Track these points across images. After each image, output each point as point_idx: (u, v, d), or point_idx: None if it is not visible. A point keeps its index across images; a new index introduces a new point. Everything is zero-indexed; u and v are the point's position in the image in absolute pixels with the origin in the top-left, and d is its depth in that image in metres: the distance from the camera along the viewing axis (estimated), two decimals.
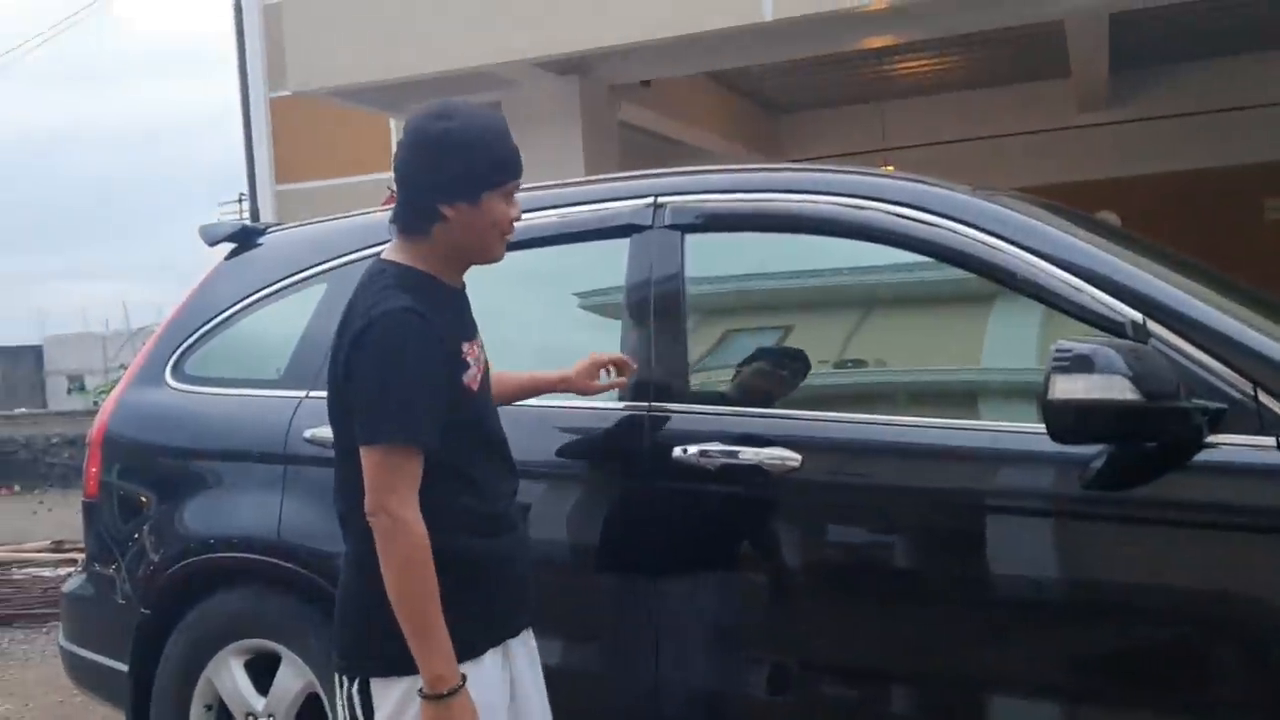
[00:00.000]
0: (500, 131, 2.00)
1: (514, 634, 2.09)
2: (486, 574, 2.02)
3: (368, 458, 1.90)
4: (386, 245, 2.09)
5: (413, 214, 2.00)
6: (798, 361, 2.65)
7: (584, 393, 2.47)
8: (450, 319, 2.00)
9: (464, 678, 1.90)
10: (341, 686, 2.03)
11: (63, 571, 7.13)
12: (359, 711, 1.99)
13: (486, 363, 2.11)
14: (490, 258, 2.07)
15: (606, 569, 2.62)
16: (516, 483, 2.15)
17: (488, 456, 2.07)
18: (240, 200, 14.75)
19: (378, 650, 1.94)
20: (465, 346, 2.01)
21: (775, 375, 2.65)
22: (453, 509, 1.97)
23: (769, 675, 2.50)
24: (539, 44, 6.31)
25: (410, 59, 6.48)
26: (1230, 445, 2.09)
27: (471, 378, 2.01)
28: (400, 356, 1.90)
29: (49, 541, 9.00)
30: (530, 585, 2.15)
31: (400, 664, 1.91)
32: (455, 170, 1.94)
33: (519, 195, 2.06)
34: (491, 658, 2.02)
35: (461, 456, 1.99)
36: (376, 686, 1.97)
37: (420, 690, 1.88)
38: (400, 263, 2.01)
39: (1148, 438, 2.11)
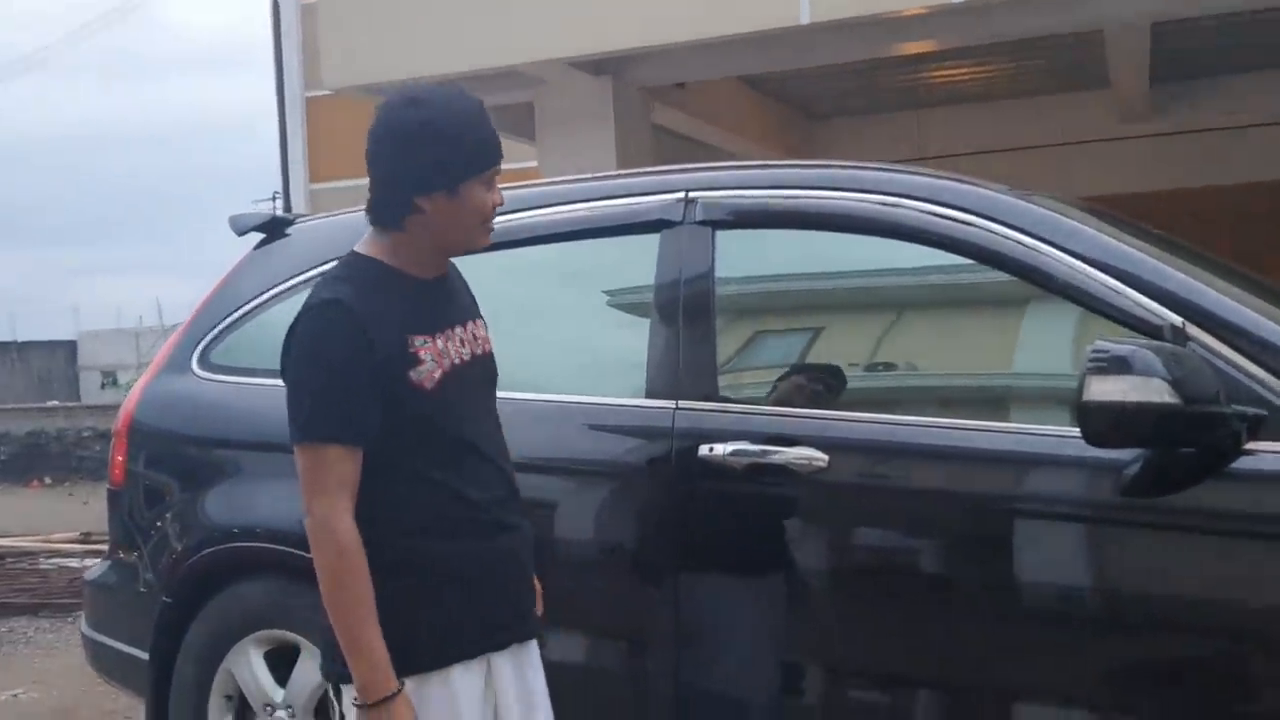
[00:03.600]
0: (477, 116, 1.91)
1: (498, 647, 1.96)
2: (449, 580, 1.90)
3: (296, 458, 1.86)
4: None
5: (385, 206, 1.91)
6: (834, 378, 2.61)
7: None
8: (400, 312, 1.89)
9: (401, 685, 1.82)
10: (329, 688, 2.01)
11: (89, 562, 7.17)
12: (336, 716, 1.97)
13: (473, 359, 1.97)
14: (472, 247, 1.96)
15: (629, 566, 2.59)
16: (503, 489, 2.00)
17: (455, 457, 1.93)
18: (274, 199, 14.85)
19: (343, 656, 1.88)
20: (419, 341, 1.89)
21: (809, 390, 2.61)
22: (407, 510, 1.89)
23: (790, 677, 2.46)
24: (572, 44, 6.29)
25: (444, 57, 6.48)
26: (1270, 452, 2.04)
27: (424, 375, 1.88)
28: (315, 352, 1.84)
29: (77, 533, 9.09)
30: (526, 596, 2.03)
31: None
32: (431, 160, 1.85)
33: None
34: (464, 672, 1.90)
35: (418, 456, 1.89)
36: (345, 692, 1.92)
37: (354, 700, 1.83)
38: (361, 253, 1.95)
39: (1185, 443, 2.06)
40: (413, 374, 1.87)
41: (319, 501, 1.83)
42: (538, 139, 7.29)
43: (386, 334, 1.86)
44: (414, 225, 1.91)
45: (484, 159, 1.91)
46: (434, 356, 1.91)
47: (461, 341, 1.97)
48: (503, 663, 1.97)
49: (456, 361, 1.94)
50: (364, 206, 1.97)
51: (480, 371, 2.01)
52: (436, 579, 1.90)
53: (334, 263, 2.03)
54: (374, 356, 1.84)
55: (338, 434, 1.83)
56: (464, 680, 1.91)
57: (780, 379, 2.65)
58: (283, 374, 1.91)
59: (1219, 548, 2.11)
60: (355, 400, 1.83)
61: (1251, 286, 2.45)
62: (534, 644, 2.05)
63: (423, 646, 1.87)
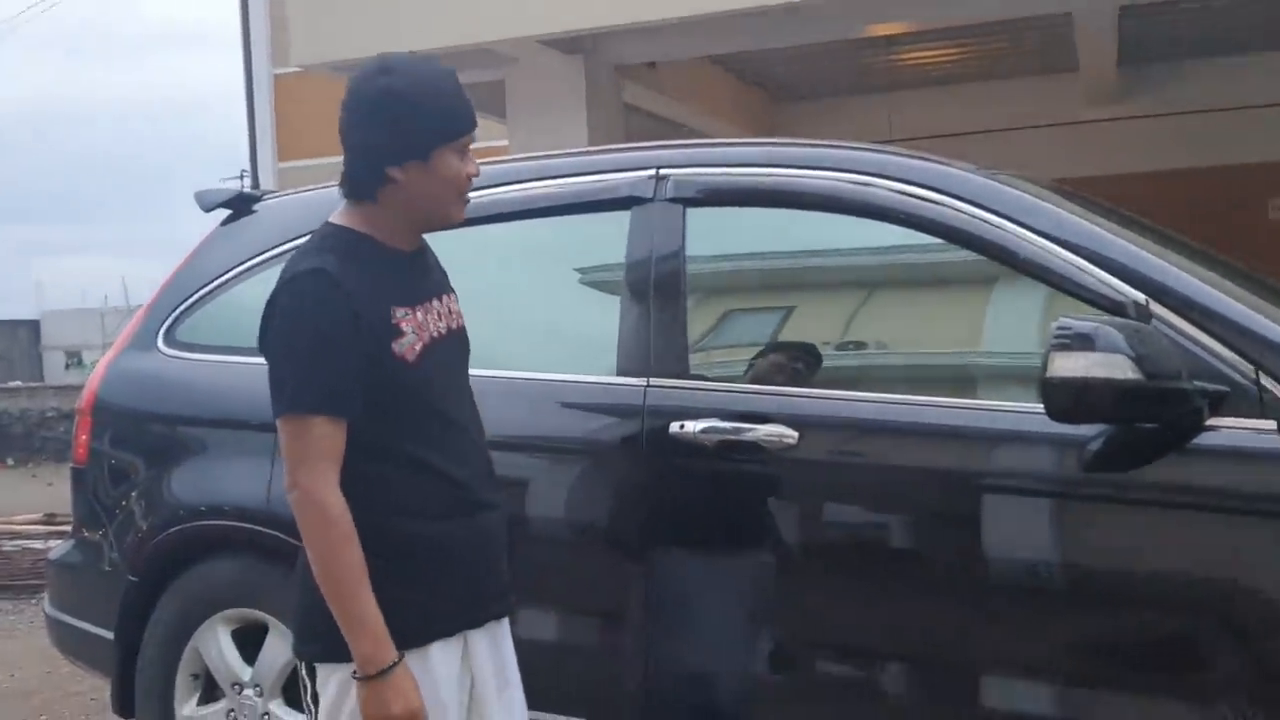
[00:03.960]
0: (448, 83, 1.87)
1: (475, 625, 1.94)
2: (433, 559, 1.88)
3: (280, 431, 1.82)
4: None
5: (358, 178, 1.87)
6: (810, 356, 2.62)
7: None
8: (381, 283, 1.86)
9: (401, 656, 1.79)
10: (300, 668, 1.99)
11: (53, 544, 7.10)
12: (308, 696, 1.94)
13: (449, 333, 1.96)
14: (448, 219, 1.93)
15: (600, 543, 2.60)
16: (483, 466, 1.98)
17: (438, 434, 1.90)
18: (242, 177, 14.74)
19: (319, 635, 1.85)
20: (400, 313, 1.86)
21: (788, 368, 2.62)
22: (392, 488, 1.85)
23: (761, 653, 2.48)
24: (543, 21, 6.26)
25: (413, 34, 6.42)
26: (1230, 429, 2.07)
27: (407, 347, 1.85)
28: (300, 322, 1.80)
29: (41, 514, 8.98)
30: (503, 574, 2.00)
31: (340, 650, 1.81)
32: (402, 129, 1.82)
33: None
34: (442, 650, 1.88)
35: (402, 433, 1.86)
36: (320, 672, 1.90)
37: (354, 673, 1.80)
38: (338, 224, 1.92)
39: (1147, 419, 2.09)
40: (395, 345, 1.85)
41: (305, 474, 1.79)
42: (509, 118, 7.25)
43: (370, 304, 1.83)
44: (387, 197, 1.88)
45: (455, 126, 1.87)
46: (414, 329, 1.88)
47: (439, 315, 1.95)
48: (479, 639, 1.95)
49: (435, 335, 1.92)
50: (337, 181, 1.93)
51: (456, 346, 2.00)
52: (419, 558, 1.88)
53: (303, 238, 2.01)
54: (359, 326, 1.81)
55: (324, 405, 1.79)
56: (442, 657, 1.89)
57: (757, 357, 2.66)
58: (262, 345, 1.87)
59: (1181, 522, 2.14)
60: (341, 371, 1.80)
61: (1215, 265, 2.48)
62: (506, 620, 2.05)
63: (404, 624, 1.83)
